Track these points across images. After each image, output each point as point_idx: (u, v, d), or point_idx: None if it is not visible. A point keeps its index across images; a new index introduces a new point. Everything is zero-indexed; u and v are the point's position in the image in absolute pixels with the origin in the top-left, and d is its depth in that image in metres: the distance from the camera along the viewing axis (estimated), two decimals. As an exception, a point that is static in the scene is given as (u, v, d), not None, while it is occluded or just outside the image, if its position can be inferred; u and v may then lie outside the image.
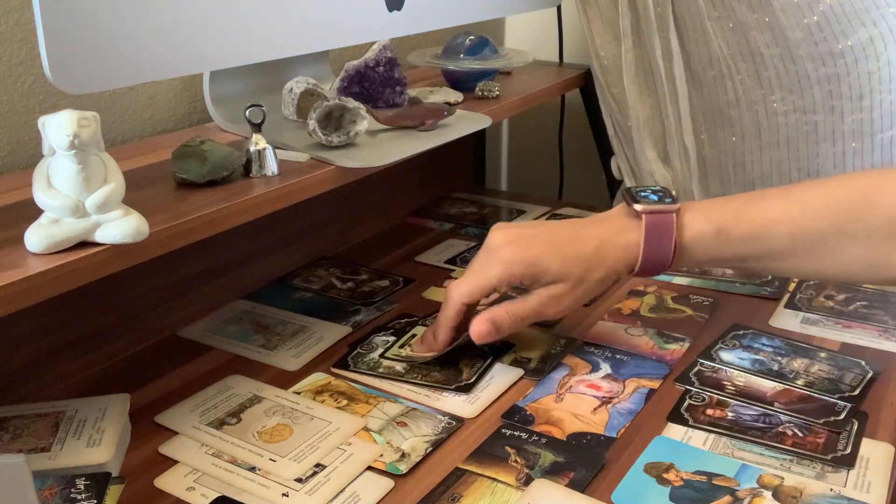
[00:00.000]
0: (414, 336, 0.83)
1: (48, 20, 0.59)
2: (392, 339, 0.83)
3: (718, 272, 0.99)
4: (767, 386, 0.75)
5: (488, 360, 0.79)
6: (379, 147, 0.86)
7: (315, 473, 0.64)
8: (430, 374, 0.77)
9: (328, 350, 0.82)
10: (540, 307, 0.74)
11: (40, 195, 0.59)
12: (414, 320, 0.87)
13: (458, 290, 0.75)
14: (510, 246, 0.74)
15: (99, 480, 0.61)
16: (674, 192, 0.75)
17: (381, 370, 0.78)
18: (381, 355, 0.80)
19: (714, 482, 0.63)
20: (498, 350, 0.81)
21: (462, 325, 0.76)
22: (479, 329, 0.75)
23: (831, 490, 0.62)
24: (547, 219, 1.18)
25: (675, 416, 0.71)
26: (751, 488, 0.62)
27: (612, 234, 0.74)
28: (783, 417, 0.70)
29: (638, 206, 0.73)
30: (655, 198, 0.74)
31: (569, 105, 1.42)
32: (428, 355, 0.78)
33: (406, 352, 0.81)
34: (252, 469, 0.64)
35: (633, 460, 0.65)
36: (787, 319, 0.88)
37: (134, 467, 0.65)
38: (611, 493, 0.61)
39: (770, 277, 0.97)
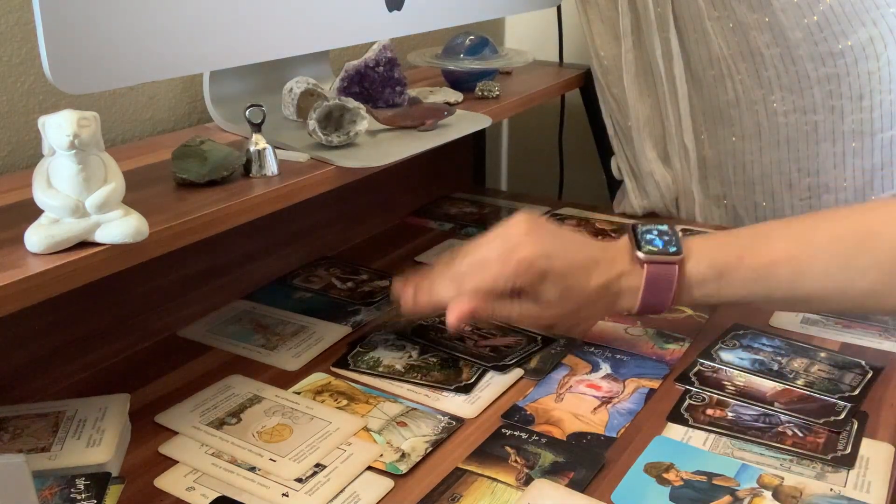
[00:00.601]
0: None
1: (48, 20, 0.59)
2: (391, 336, 0.84)
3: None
4: (767, 386, 0.75)
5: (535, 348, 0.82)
6: (379, 147, 0.86)
7: (315, 473, 0.64)
8: (430, 373, 0.77)
9: (328, 350, 0.82)
10: (520, 318, 0.76)
11: (40, 195, 0.59)
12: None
13: (470, 283, 0.73)
14: (528, 245, 0.72)
15: (99, 480, 0.61)
16: (679, 234, 0.75)
17: (380, 369, 0.78)
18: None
19: (714, 482, 0.63)
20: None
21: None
22: (456, 313, 0.73)
23: (831, 490, 0.62)
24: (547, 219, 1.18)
25: (675, 416, 0.71)
26: (751, 488, 0.62)
27: (617, 276, 0.74)
28: (783, 417, 0.70)
29: (640, 255, 0.73)
30: (661, 243, 0.73)
31: (569, 105, 1.42)
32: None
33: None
34: (252, 469, 0.64)
35: (633, 460, 0.65)
36: (787, 319, 0.88)
37: (134, 467, 0.65)
38: (611, 493, 0.61)
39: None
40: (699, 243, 0.74)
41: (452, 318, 0.73)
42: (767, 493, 0.61)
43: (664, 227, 0.75)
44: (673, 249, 0.73)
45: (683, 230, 1.11)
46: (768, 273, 0.71)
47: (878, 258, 0.68)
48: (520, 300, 0.74)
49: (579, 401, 0.73)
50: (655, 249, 0.73)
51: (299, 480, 0.63)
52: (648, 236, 0.74)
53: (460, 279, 0.74)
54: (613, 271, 0.74)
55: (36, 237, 0.58)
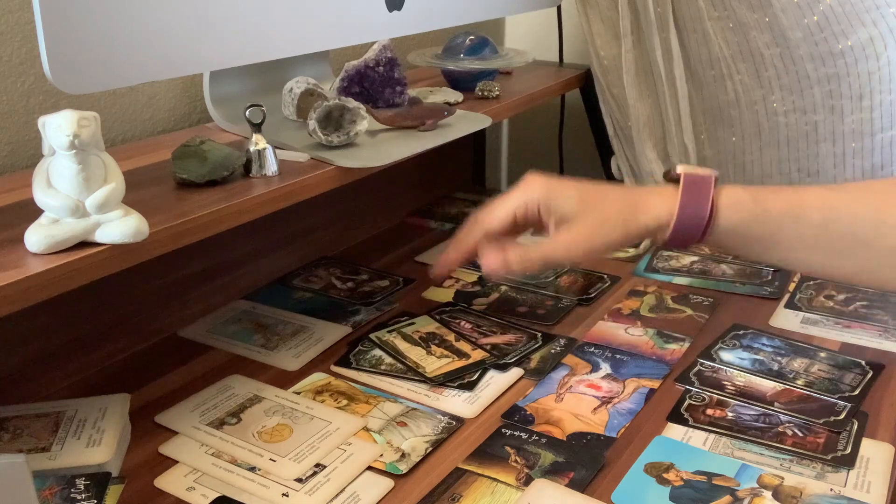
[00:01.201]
0: (413, 325, 0.85)
1: (48, 20, 0.59)
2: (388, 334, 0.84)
3: (718, 272, 0.99)
4: (767, 386, 0.75)
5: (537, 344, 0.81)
6: (379, 147, 0.86)
7: (315, 473, 0.64)
8: (432, 372, 0.77)
9: (328, 350, 0.82)
10: (552, 249, 0.71)
11: (40, 195, 0.59)
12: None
13: (480, 218, 0.73)
14: (537, 177, 0.72)
15: (99, 480, 0.61)
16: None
17: (383, 367, 0.78)
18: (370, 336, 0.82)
19: (714, 482, 0.63)
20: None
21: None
22: (489, 260, 0.72)
23: (831, 490, 0.62)
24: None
25: (675, 416, 0.71)
26: (751, 488, 0.62)
27: (649, 192, 0.70)
28: (783, 417, 0.70)
29: (679, 168, 0.69)
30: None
31: (569, 105, 1.42)
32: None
33: (387, 336, 0.83)
34: (252, 469, 0.64)
35: (633, 460, 0.65)
36: (787, 319, 0.88)
37: (134, 467, 0.65)
38: (611, 493, 0.61)
39: (770, 277, 0.97)
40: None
41: (484, 262, 0.72)
42: (767, 493, 0.61)
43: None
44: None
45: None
46: (801, 211, 0.67)
47: None
48: (541, 234, 0.72)
49: (579, 401, 0.73)
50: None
51: (299, 480, 0.63)
52: (678, 168, 0.71)
53: (479, 220, 0.73)
54: (644, 189, 0.71)
55: (36, 237, 0.58)
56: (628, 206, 0.70)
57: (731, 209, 0.68)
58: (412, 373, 0.77)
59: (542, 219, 0.71)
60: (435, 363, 0.79)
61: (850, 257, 0.67)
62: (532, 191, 0.71)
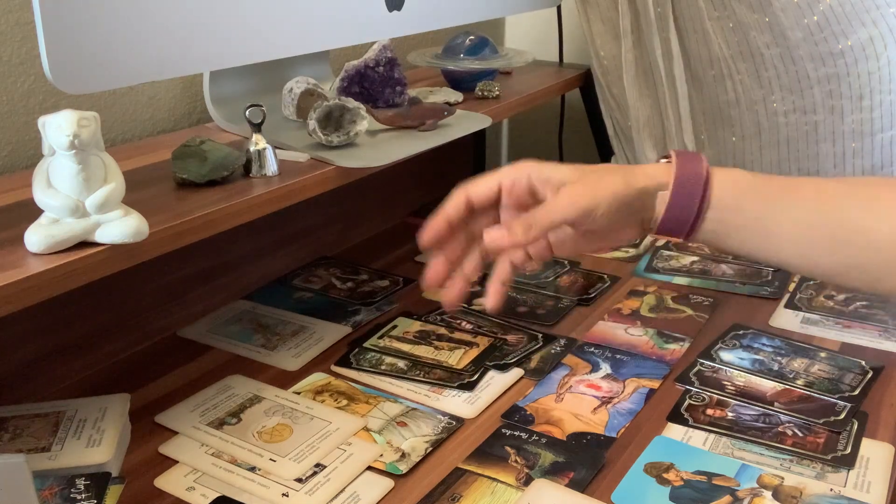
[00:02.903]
0: (396, 328, 0.85)
1: (48, 20, 0.59)
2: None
3: (718, 272, 0.99)
4: (767, 386, 0.75)
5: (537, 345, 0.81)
6: (379, 147, 0.86)
7: (315, 473, 0.64)
8: (432, 371, 0.77)
9: (328, 350, 0.82)
10: (554, 206, 0.66)
11: (40, 195, 0.59)
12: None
13: (465, 186, 0.70)
14: (525, 160, 0.69)
15: (99, 480, 0.61)
16: None
17: (383, 367, 0.78)
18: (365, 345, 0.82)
19: (714, 482, 0.63)
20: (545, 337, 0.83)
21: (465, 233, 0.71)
22: (493, 236, 0.66)
23: (831, 490, 0.62)
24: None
25: (675, 416, 0.71)
26: (751, 488, 0.62)
27: (640, 167, 0.68)
28: (783, 417, 0.70)
29: (670, 152, 0.67)
30: None
31: (569, 105, 1.42)
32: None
33: (385, 342, 0.82)
34: (252, 469, 0.64)
35: (633, 460, 0.65)
36: (787, 319, 0.88)
37: (134, 467, 0.65)
38: (611, 493, 0.61)
39: (770, 277, 0.97)
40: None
41: (487, 237, 0.67)
42: (767, 493, 0.61)
43: None
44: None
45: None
46: (797, 184, 0.66)
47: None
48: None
49: (579, 401, 0.73)
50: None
51: (299, 480, 0.63)
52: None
53: (464, 187, 0.70)
54: (634, 169, 0.68)
55: (36, 237, 0.58)
56: (625, 169, 0.67)
57: (725, 177, 0.66)
58: (439, 370, 0.77)
59: (534, 194, 0.67)
60: (452, 356, 0.79)
61: (839, 251, 0.65)
62: (521, 167, 0.68)
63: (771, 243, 0.68)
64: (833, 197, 0.66)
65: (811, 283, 0.96)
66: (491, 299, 0.67)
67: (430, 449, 0.67)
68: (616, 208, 0.66)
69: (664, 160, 0.68)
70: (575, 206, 0.65)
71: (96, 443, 0.64)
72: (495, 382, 0.76)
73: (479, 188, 0.70)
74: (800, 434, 0.68)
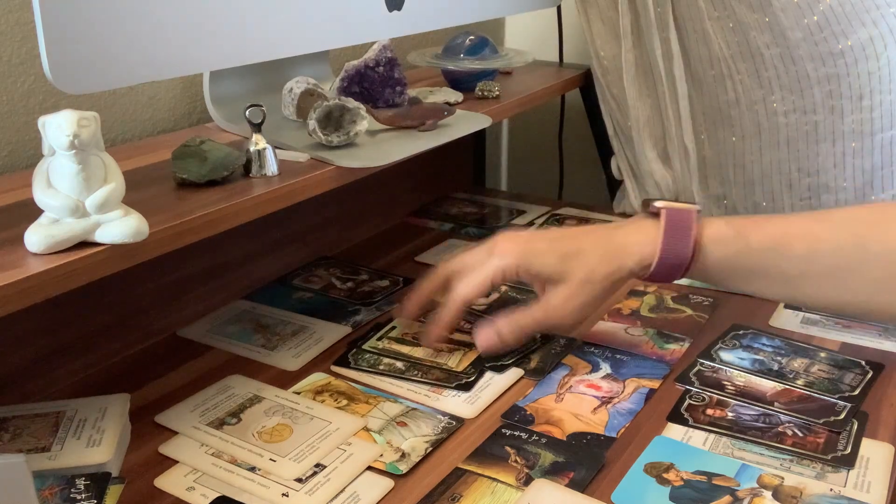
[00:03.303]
0: (395, 328, 0.85)
1: (48, 20, 0.59)
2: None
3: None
4: (767, 386, 0.75)
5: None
6: (379, 147, 0.86)
7: (315, 473, 0.64)
8: (430, 371, 0.77)
9: (328, 350, 0.82)
10: (543, 314, 0.73)
11: (40, 195, 0.59)
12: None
13: (459, 293, 0.75)
14: (508, 241, 0.74)
15: (99, 480, 0.61)
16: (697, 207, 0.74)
17: (381, 367, 0.78)
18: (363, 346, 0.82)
19: (714, 482, 0.63)
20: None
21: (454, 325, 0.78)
22: (482, 339, 0.76)
23: (831, 490, 0.62)
24: (547, 219, 1.18)
25: (675, 416, 0.71)
26: (751, 488, 0.62)
27: (627, 232, 0.71)
28: (783, 417, 0.70)
29: (658, 203, 0.70)
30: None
31: (569, 105, 1.42)
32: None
33: (384, 344, 0.82)
34: (252, 469, 0.64)
35: (633, 460, 0.65)
36: (787, 319, 0.88)
37: (134, 467, 0.65)
38: (611, 493, 0.61)
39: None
40: (713, 217, 0.72)
41: (479, 342, 0.76)
42: (767, 493, 0.61)
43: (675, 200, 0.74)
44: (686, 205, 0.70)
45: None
46: (784, 243, 0.68)
47: (893, 245, 0.65)
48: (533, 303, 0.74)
49: (579, 401, 0.73)
50: (669, 200, 0.71)
51: (299, 480, 0.63)
52: (657, 203, 0.72)
53: (458, 294, 0.75)
54: (624, 228, 0.71)
55: (36, 237, 0.58)
56: (609, 252, 0.70)
57: (714, 245, 0.69)
58: (437, 370, 0.77)
59: (524, 280, 0.73)
60: (452, 358, 0.79)
61: (835, 288, 0.68)
62: (505, 257, 0.72)
63: (760, 287, 0.73)
64: (823, 243, 0.67)
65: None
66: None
67: (430, 449, 0.67)
68: (603, 299, 0.72)
69: (650, 216, 0.70)
70: (564, 317, 0.72)
71: (96, 443, 0.64)
72: (495, 382, 0.76)
73: (472, 293, 0.75)
74: (800, 434, 0.68)
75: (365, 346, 0.82)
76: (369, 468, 0.64)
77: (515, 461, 0.65)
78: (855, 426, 0.69)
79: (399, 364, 0.79)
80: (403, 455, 0.66)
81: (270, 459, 0.65)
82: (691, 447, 0.67)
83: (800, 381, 0.76)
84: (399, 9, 0.94)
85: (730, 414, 0.71)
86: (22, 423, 0.67)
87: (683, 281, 0.97)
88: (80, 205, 0.59)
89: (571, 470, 0.64)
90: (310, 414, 0.71)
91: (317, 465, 0.64)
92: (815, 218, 0.70)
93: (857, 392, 0.74)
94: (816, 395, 0.74)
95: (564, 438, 0.68)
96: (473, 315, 0.88)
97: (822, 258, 0.67)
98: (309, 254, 1.04)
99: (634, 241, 0.70)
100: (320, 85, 0.93)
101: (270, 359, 0.80)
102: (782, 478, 0.63)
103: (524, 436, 0.68)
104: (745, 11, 1.03)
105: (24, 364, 0.74)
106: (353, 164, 0.81)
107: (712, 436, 0.68)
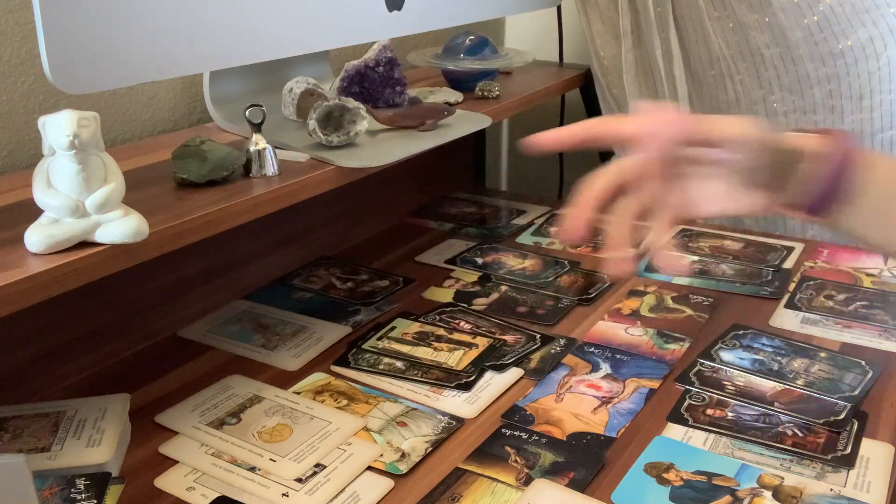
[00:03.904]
0: (395, 329, 0.85)
1: (48, 20, 0.59)
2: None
3: (718, 272, 0.99)
4: (767, 386, 0.75)
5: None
6: (379, 147, 0.86)
7: (315, 473, 0.64)
8: (430, 371, 0.77)
9: (328, 350, 0.82)
10: (720, 125, 0.57)
11: (40, 195, 0.59)
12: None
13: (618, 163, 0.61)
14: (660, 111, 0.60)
15: (99, 480, 0.61)
16: None
17: (381, 367, 0.78)
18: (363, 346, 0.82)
19: (714, 482, 0.63)
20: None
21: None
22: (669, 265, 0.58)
23: (831, 490, 0.62)
24: (547, 219, 1.18)
25: (675, 416, 0.71)
26: (751, 488, 0.62)
27: (794, 134, 0.59)
28: (783, 417, 0.70)
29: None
30: None
31: (569, 105, 1.42)
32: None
33: (384, 344, 0.82)
34: (252, 469, 0.64)
35: (633, 460, 0.65)
36: (787, 319, 0.88)
37: (134, 467, 0.65)
38: (611, 493, 0.61)
39: (770, 277, 0.97)
40: None
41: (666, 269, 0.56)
42: (767, 493, 0.61)
43: None
44: None
45: (683, 230, 1.11)
46: None
47: None
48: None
49: (579, 401, 0.73)
50: None
51: (299, 480, 0.63)
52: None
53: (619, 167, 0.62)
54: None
55: (36, 237, 0.58)
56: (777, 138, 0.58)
57: (872, 154, 0.59)
58: (437, 370, 0.77)
59: (699, 145, 0.58)
60: (452, 357, 0.79)
61: None
62: (668, 126, 0.58)
63: None
64: None
65: (811, 283, 0.96)
66: (626, 266, 0.56)
67: (430, 449, 0.67)
68: (773, 149, 0.58)
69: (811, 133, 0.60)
70: (739, 129, 0.57)
71: (96, 443, 0.64)
72: (495, 382, 0.76)
73: (627, 169, 0.61)
74: (800, 434, 0.68)
75: (365, 346, 0.82)
76: (369, 468, 0.64)
77: (515, 461, 0.65)
78: (855, 426, 0.69)
79: (399, 364, 0.79)
80: (403, 455, 0.66)
81: (270, 459, 0.65)
82: (691, 447, 0.67)
83: (800, 381, 0.76)
84: (399, 9, 0.94)
85: (730, 414, 0.71)
86: (22, 423, 0.67)
87: (683, 280, 0.97)
88: (80, 205, 0.59)
89: (571, 470, 0.64)
90: (310, 414, 0.71)
91: (317, 465, 0.64)
92: None
93: (857, 392, 0.74)
94: (816, 395, 0.74)
95: (564, 438, 0.68)
96: (473, 315, 0.88)
97: None
98: (309, 254, 1.04)
99: (797, 136, 0.59)
100: (320, 85, 0.93)
101: (270, 359, 0.80)
102: (782, 478, 0.63)
103: (524, 436, 0.68)
104: (744, 11, 1.03)
105: (24, 364, 0.74)
106: (353, 164, 0.81)
107: (712, 436, 0.68)
